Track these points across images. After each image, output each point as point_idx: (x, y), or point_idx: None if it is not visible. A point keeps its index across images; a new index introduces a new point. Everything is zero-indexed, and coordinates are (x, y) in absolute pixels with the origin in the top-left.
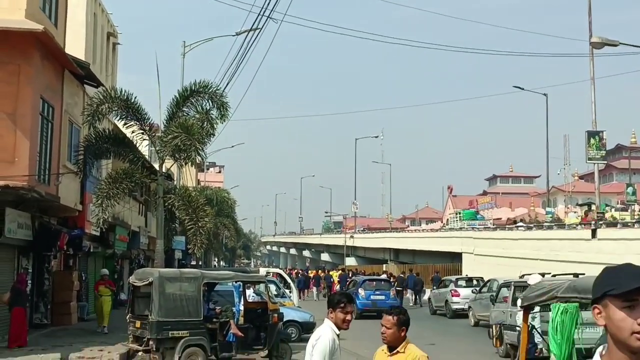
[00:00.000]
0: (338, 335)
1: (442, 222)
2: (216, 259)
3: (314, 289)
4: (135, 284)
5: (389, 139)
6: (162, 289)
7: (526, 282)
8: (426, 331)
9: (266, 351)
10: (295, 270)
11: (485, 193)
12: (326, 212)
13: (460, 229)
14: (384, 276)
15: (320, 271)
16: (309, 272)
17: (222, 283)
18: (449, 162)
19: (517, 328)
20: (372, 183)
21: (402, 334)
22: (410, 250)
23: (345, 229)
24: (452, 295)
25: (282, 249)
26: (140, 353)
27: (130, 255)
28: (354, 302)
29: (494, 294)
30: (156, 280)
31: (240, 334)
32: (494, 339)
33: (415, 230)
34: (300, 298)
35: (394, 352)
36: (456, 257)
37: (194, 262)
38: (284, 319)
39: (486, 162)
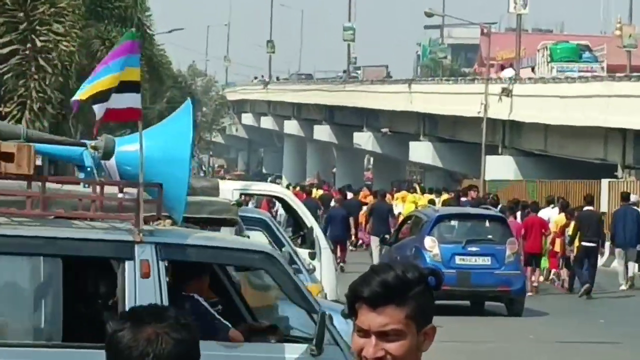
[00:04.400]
0: None
1: None
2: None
3: (373, 240)
4: None
5: None
6: None
7: None
8: None
9: None
10: (319, 190)
11: None
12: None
13: None
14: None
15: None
16: (364, 193)
17: None
18: None
19: None
20: None
21: None
22: None
23: (486, 69)
24: None
25: (289, 126)
26: None
27: None
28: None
29: None
30: None
31: None
32: None
33: None
34: (338, 263)
35: None
36: None
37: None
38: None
39: None
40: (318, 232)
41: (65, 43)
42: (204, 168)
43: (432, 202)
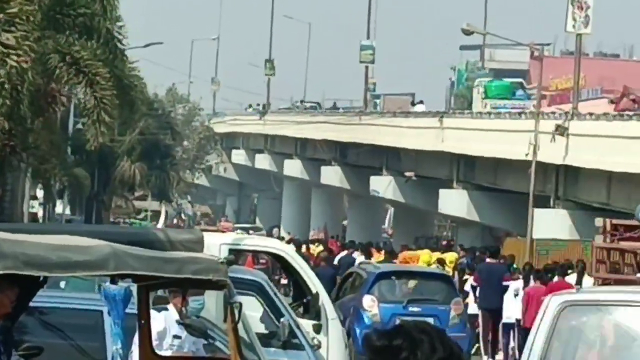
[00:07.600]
0: None
1: None
2: (41, 189)
3: None
4: None
5: None
6: None
7: None
8: None
9: None
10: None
11: None
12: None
13: None
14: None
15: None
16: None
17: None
18: None
19: None
20: None
21: None
22: None
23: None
24: None
25: (290, 167)
26: None
27: None
28: None
29: None
30: None
31: None
32: None
33: None
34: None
35: None
36: None
37: None
38: None
39: None
40: (325, 299)
41: (15, 57)
42: (183, 216)
43: (441, 261)
